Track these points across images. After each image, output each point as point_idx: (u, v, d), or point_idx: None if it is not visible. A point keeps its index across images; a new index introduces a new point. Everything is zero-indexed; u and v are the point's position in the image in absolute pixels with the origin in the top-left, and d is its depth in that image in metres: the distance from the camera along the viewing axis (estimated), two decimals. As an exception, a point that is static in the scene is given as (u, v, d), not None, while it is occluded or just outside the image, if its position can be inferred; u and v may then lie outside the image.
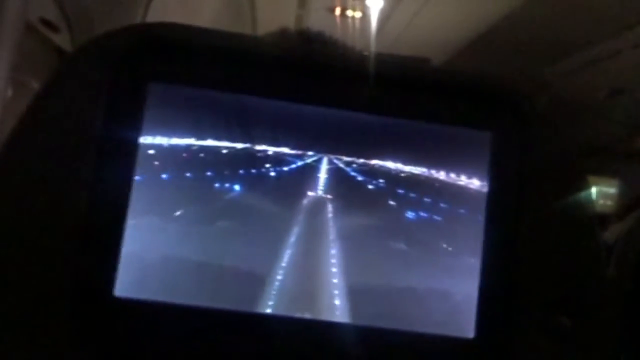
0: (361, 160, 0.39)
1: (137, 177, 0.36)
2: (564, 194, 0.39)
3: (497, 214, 0.39)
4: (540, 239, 0.38)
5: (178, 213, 0.37)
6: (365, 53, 0.40)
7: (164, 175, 0.37)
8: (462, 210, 0.39)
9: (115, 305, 0.35)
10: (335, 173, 0.38)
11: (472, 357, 0.38)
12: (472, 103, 0.40)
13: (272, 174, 0.38)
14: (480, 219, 0.39)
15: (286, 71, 0.39)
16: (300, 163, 0.38)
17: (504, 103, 0.40)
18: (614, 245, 0.53)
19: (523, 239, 0.38)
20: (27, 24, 0.73)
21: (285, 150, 0.38)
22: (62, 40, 0.92)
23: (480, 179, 0.39)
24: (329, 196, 0.38)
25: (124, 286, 0.36)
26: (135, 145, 0.37)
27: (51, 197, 0.35)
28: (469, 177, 0.39)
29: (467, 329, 0.38)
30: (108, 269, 0.35)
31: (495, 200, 0.39)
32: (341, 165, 0.39)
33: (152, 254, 0.36)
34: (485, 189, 0.39)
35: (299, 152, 0.38)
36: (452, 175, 0.39)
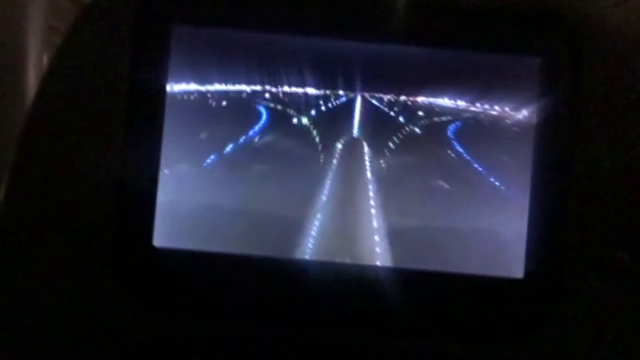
0: (396, 97, 0.37)
1: (167, 124, 0.36)
2: (621, 124, 0.36)
3: (547, 147, 0.36)
4: (594, 172, 0.36)
5: (211, 160, 0.36)
6: None
7: (193, 122, 0.36)
8: (508, 144, 0.36)
9: (155, 255, 0.36)
10: (370, 112, 0.37)
11: (521, 298, 0.36)
12: (519, 26, 0.36)
13: (305, 116, 0.37)
14: (528, 152, 0.36)
15: (316, 4, 0.36)
16: (333, 103, 0.37)
17: (554, 25, 0.36)
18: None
19: (576, 172, 0.36)
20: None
21: (317, 90, 0.37)
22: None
23: (529, 109, 0.36)
24: (364, 136, 0.37)
25: (162, 236, 0.36)
26: (163, 91, 0.36)
27: (84, 150, 0.35)
28: (516, 109, 0.36)
29: (516, 268, 0.36)
30: (146, 220, 0.36)
31: (545, 131, 0.36)
32: (376, 103, 0.37)
33: (189, 202, 0.36)
34: (534, 121, 0.36)
35: (332, 91, 0.37)
36: (498, 107, 0.37)
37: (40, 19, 0.67)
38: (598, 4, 0.37)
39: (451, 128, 0.37)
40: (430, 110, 0.37)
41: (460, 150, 0.37)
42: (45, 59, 0.70)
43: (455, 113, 0.37)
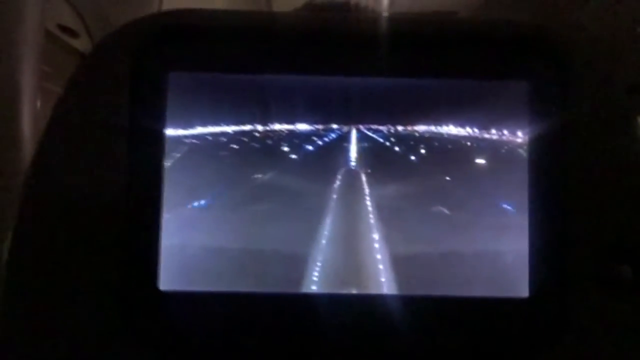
0: (391, 127, 0.37)
1: (167, 168, 0.36)
2: (612, 138, 0.36)
3: (542, 166, 0.37)
4: (590, 187, 0.36)
5: (212, 201, 0.37)
6: (387, 14, 0.38)
7: (193, 165, 0.37)
8: (504, 167, 0.37)
9: (161, 299, 0.36)
10: (366, 143, 0.37)
11: (528, 317, 0.36)
12: (504, 53, 0.37)
13: (302, 152, 0.37)
14: (523, 173, 0.37)
15: (307, 44, 0.37)
16: (329, 137, 0.37)
17: (537, 49, 0.37)
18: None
19: (572, 188, 0.36)
20: (46, 32, 0.73)
21: (312, 126, 0.37)
22: (82, 44, 0.92)
23: (521, 132, 0.37)
24: (362, 167, 0.37)
25: (167, 279, 0.36)
26: (161, 136, 0.36)
27: (87, 196, 0.35)
28: (509, 132, 0.37)
29: (521, 288, 0.36)
30: (150, 264, 0.36)
31: (538, 152, 0.37)
32: (371, 134, 0.37)
33: (192, 244, 0.36)
34: (526, 142, 0.37)
35: (327, 126, 0.37)
36: (491, 131, 0.37)
37: (34, 65, 0.68)
38: (580, 25, 0.38)
39: (447, 154, 0.37)
40: (425, 138, 0.37)
41: (458, 175, 0.37)
42: (38, 104, 0.70)
43: (450, 139, 0.37)
